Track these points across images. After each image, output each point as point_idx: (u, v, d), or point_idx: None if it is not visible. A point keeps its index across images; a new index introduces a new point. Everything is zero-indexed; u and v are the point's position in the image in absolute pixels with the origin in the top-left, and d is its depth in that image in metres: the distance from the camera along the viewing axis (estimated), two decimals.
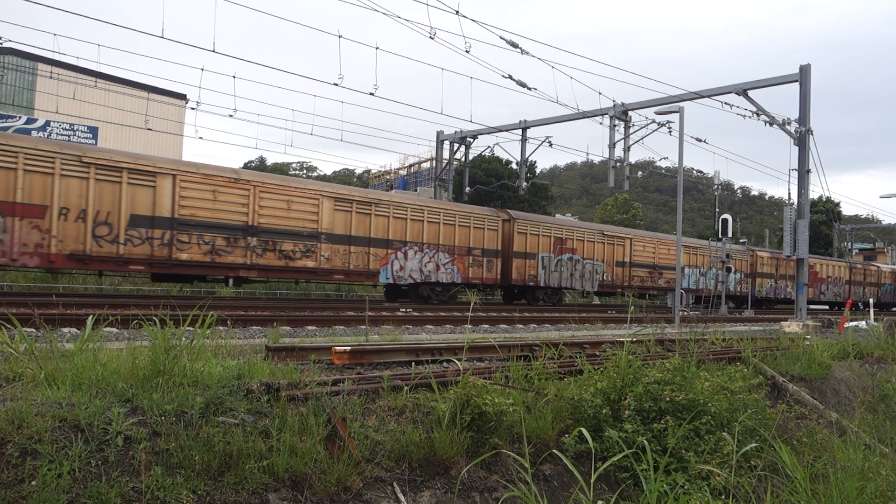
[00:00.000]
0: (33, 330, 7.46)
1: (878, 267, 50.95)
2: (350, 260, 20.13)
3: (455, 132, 30.64)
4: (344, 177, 78.15)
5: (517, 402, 5.80)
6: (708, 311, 27.57)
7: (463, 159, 31.25)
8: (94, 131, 35.36)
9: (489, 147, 33.16)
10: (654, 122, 23.96)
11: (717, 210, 49.81)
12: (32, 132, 31.73)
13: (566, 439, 5.83)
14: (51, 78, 32.70)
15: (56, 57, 27.72)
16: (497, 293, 28.27)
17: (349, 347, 6.92)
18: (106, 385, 4.66)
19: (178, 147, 40.98)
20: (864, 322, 17.27)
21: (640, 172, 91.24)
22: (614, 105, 24.23)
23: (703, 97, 22.98)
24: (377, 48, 20.44)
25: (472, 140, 30.70)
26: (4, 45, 22.57)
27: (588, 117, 25.37)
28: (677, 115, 19.87)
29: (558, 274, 26.06)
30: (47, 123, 34.04)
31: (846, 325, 17.00)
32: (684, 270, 32.03)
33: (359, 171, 78.68)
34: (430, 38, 18.22)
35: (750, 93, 21.61)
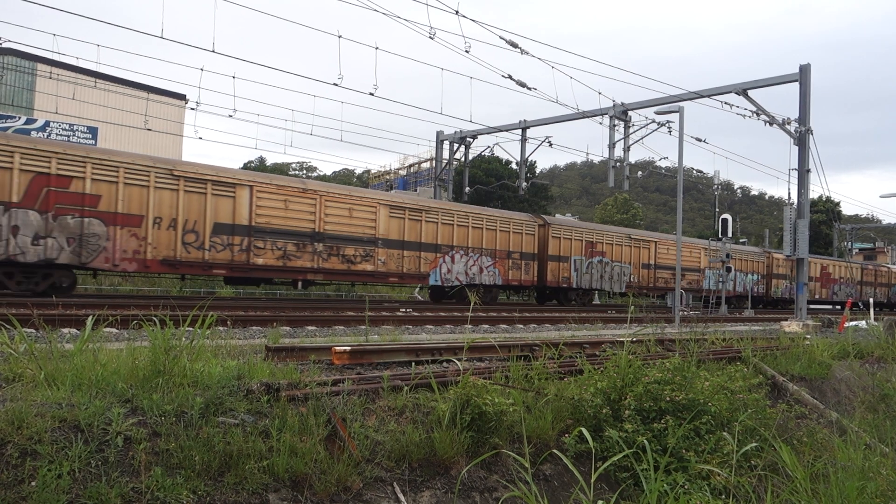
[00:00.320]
0: (33, 330, 7.46)
1: (888, 268, 51.75)
2: (403, 263, 21.54)
3: (455, 132, 30.64)
4: (344, 177, 78.15)
5: (517, 401, 5.80)
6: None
7: (463, 159, 31.25)
8: (93, 132, 35.36)
9: (489, 147, 33.22)
10: (653, 121, 23.98)
11: (717, 210, 49.81)
12: (32, 133, 31.71)
13: (566, 439, 5.83)
14: (50, 78, 32.70)
15: (55, 57, 27.75)
16: (531, 294, 29.36)
17: (349, 347, 6.92)
18: (106, 385, 4.66)
19: (177, 147, 40.98)
20: (864, 321, 17.27)
21: (639, 172, 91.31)
22: (614, 105, 24.24)
23: (702, 97, 22.98)
24: (377, 48, 20.45)
25: (471, 140, 30.70)
26: (4, 45, 22.56)
27: (588, 117, 25.38)
28: (677, 114, 19.87)
29: (589, 276, 27.47)
30: (47, 124, 34.03)
31: (846, 324, 17.00)
32: (705, 272, 33.46)
33: (359, 171, 78.74)
34: (430, 38, 18.23)
35: (750, 92, 21.61)
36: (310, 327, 12.16)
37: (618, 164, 24.75)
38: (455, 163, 31.20)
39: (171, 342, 5.06)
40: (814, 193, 36.74)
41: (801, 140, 20.33)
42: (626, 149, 24.87)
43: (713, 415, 6.38)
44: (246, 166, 66.65)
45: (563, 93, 32.03)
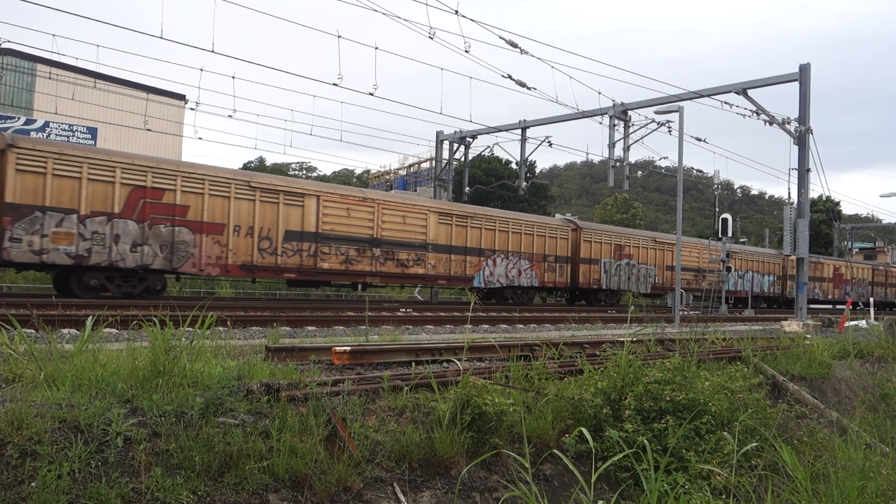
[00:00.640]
0: (32, 331, 7.45)
1: None
2: (451, 267, 23.08)
3: (455, 132, 30.63)
4: (343, 177, 78.14)
5: (517, 401, 5.80)
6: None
7: (462, 159, 31.23)
8: (93, 132, 35.34)
9: (489, 147, 33.18)
10: (653, 121, 23.96)
11: (717, 209, 49.79)
12: (31, 133, 31.71)
13: (566, 439, 5.83)
14: (50, 78, 32.68)
15: (55, 57, 27.69)
16: (563, 295, 30.73)
17: (349, 348, 6.91)
18: (106, 386, 4.66)
19: (177, 148, 40.96)
20: (864, 321, 17.27)
21: (639, 172, 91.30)
22: (614, 105, 24.23)
23: (702, 97, 22.97)
24: (376, 48, 20.45)
25: (471, 140, 30.67)
26: (3, 45, 22.56)
27: (588, 117, 25.37)
28: (677, 114, 19.86)
29: (618, 278, 28.87)
30: (46, 124, 34.01)
31: (846, 324, 17.00)
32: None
33: (358, 171, 78.72)
34: (430, 37, 18.23)
35: (750, 92, 21.60)
36: (310, 327, 12.16)
37: (618, 163, 24.74)
38: (455, 163, 31.18)
39: (170, 342, 5.06)
40: (814, 193, 37.12)
41: (801, 139, 20.33)
42: (626, 148, 24.86)
43: (713, 415, 6.38)
44: (245, 166, 66.65)
45: (563, 93, 32.18)
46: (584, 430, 4.73)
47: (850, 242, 60.36)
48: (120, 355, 5.34)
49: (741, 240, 58.35)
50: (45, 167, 15.26)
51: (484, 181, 42.62)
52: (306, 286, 22.11)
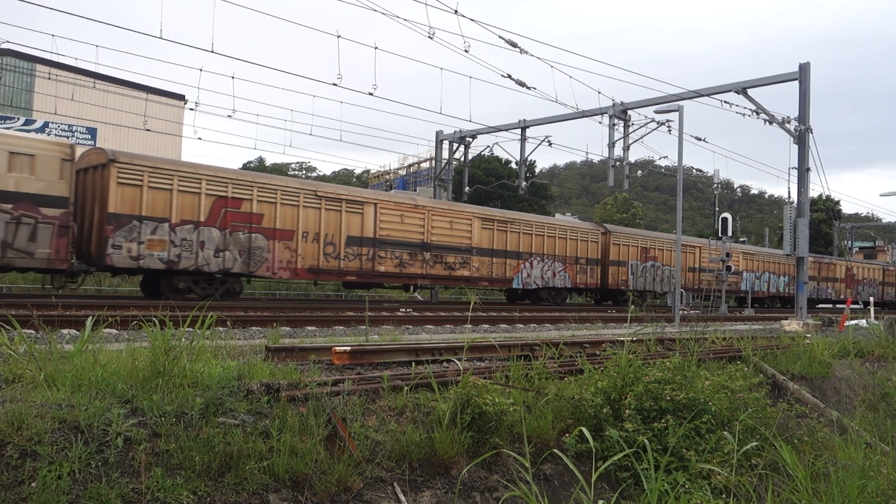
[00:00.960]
0: (32, 331, 7.45)
1: None
2: (493, 269, 24.57)
3: (454, 132, 30.62)
4: (343, 177, 78.12)
5: (517, 401, 5.80)
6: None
7: (462, 159, 31.23)
8: (92, 132, 35.34)
9: (488, 147, 33.17)
10: (653, 120, 23.97)
11: (717, 209, 49.83)
12: (31, 133, 31.69)
13: (567, 439, 5.82)
14: (49, 79, 32.67)
15: (54, 58, 27.70)
16: (593, 296, 32.15)
17: (349, 348, 6.91)
18: (106, 386, 4.66)
19: (177, 148, 40.98)
20: (864, 320, 17.26)
21: (639, 171, 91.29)
22: (613, 104, 24.23)
23: (702, 96, 22.98)
24: (376, 48, 20.46)
25: (471, 140, 30.67)
26: (3, 46, 22.55)
27: (587, 116, 25.38)
28: (676, 113, 19.87)
29: (643, 279, 30.24)
30: (46, 125, 34.00)
31: (846, 323, 17.00)
32: (743, 275, 36.50)
33: (358, 171, 78.70)
34: (429, 37, 18.23)
35: (749, 91, 21.61)
36: (310, 327, 12.16)
37: (617, 163, 24.75)
38: (455, 162, 31.18)
39: (170, 343, 5.06)
40: (814, 192, 37.34)
41: (801, 139, 20.33)
42: (626, 148, 24.86)
43: (714, 414, 6.38)
44: (245, 166, 66.62)
45: (563, 92, 32.19)
46: (585, 430, 4.73)
47: (850, 241, 60.37)
48: (120, 356, 5.33)
49: (741, 239, 58.37)
50: (141, 180, 16.57)
51: (484, 181, 42.60)
52: (363, 288, 23.66)
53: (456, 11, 17.45)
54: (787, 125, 20.64)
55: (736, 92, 21.74)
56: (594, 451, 5.04)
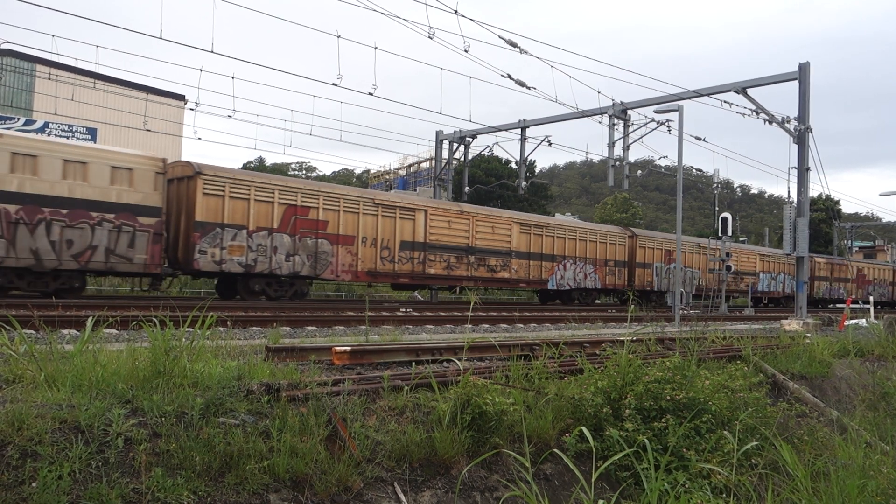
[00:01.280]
0: (33, 331, 7.46)
1: None
2: (530, 271, 25.96)
3: (454, 132, 30.61)
4: (343, 177, 78.12)
5: (517, 401, 5.80)
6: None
7: (462, 159, 31.22)
8: (92, 132, 35.31)
9: (488, 147, 33.17)
10: (653, 120, 23.97)
11: (717, 209, 49.81)
12: (31, 133, 31.67)
13: (567, 438, 5.82)
14: (49, 79, 32.66)
15: (54, 58, 27.68)
16: (619, 296, 33.11)
17: (349, 348, 6.92)
18: (106, 386, 4.66)
19: (177, 148, 40.95)
20: (864, 320, 17.26)
21: (639, 171, 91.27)
22: (613, 104, 24.22)
23: (702, 96, 22.98)
24: (376, 48, 20.46)
25: (471, 140, 30.66)
26: (3, 46, 22.55)
27: (587, 116, 25.37)
28: (676, 113, 19.84)
29: (667, 280, 31.32)
30: (46, 125, 33.98)
31: (846, 323, 17.00)
32: (759, 276, 37.93)
33: (358, 171, 78.69)
34: (429, 37, 18.22)
35: (749, 91, 21.60)
36: (310, 327, 12.16)
37: (617, 163, 24.75)
38: (455, 162, 31.17)
39: (171, 343, 5.06)
40: (813, 192, 37.50)
41: (801, 138, 20.32)
42: (626, 148, 24.86)
43: (714, 413, 6.38)
44: (245, 167, 66.59)
45: (563, 92, 32.20)
46: (585, 430, 4.73)
47: (849, 241, 60.35)
48: (120, 356, 5.34)
49: (741, 239, 58.36)
50: (223, 191, 18.00)
51: (484, 181, 42.58)
52: (413, 289, 25.45)
53: (456, 11, 17.45)
54: (786, 125, 20.63)
55: (736, 92, 21.74)
56: (594, 450, 5.04)
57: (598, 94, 22.88)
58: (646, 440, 5.00)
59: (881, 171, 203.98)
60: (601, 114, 24.75)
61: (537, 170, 64.09)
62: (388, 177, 59.95)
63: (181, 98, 39.94)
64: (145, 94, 34.93)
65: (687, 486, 5.37)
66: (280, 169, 70.30)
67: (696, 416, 6.16)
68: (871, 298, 23.10)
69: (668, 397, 6.27)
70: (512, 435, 5.72)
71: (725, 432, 5.99)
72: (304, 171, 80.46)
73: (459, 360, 6.80)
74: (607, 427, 6.01)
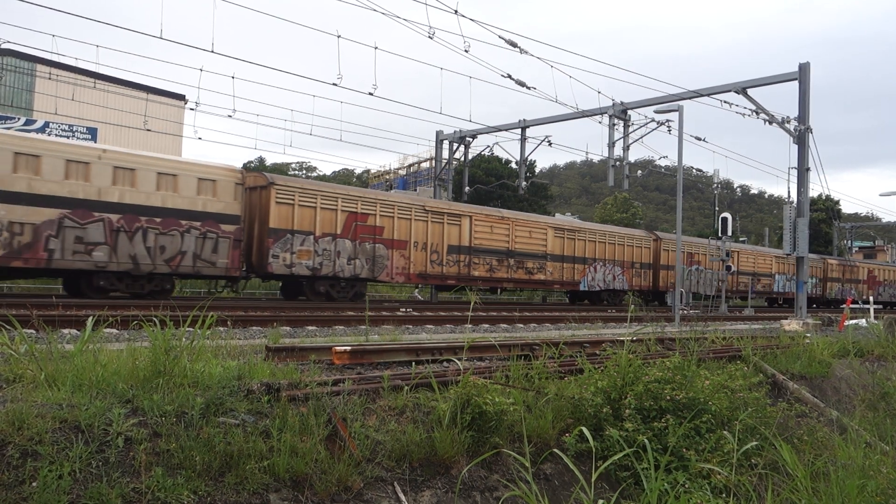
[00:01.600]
0: (33, 331, 7.46)
1: None
2: (563, 273, 27.45)
3: (454, 132, 30.60)
4: (343, 177, 78.09)
5: (517, 401, 5.80)
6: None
7: (462, 159, 31.21)
8: (92, 132, 35.29)
9: (488, 146, 33.15)
10: (653, 120, 23.95)
11: (717, 209, 49.82)
12: (32, 133, 31.66)
13: (567, 438, 5.83)
14: (49, 79, 32.67)
15: (55, 58, 27.67)
16: (644, 297, 34.06)
17: (349, 347, 6.92)
18: (106, 386, 4.66)
19: (177, 148, 40.95)
20: (864, 320, 17.26)
21: (639, 171, 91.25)
22: (613, 104, 24.21)
23: (702, 96, 22.97)
24: (376, 48, 20.46)
25: (471, 140, 30.64)
26: (3, 46, 22.56)
27: (587, 116, 25.37)
28: (676, 113, 19.85)
29: (689, 282, 32.46)
30: (46, 125, 33.96)
31: (846, 323, 17.00)
32: (775, 277, 39.29)
33: (358, 171, 78.66)
34: (429, 37, 18.22)
35: (749, 91, 21.59)
36: (310, 327, 12.16)
37: (617, 163, 24.74)
38: (455, 162, 31.16)
39: (171, 342, 5.07)
40: (813, 192, 37.75)
41: (801, 138, 20.32)
42: (626, 148, 24.85)
43: (713, 413, 6.38)
44: (245, 166, 66.49)
45: (563, 92, 32.16)
46: (585, 430, 4.73)
47: (849, 241, 60.32)
48: (120, 355, 5.34)
49: (741, 239, 58.35)
50: (293, 199, 19.39)
51: (484, 181, 42.57)
52: (456, 290, 26.55)
53: (456, 11, 17.45)
54: (786, 125, 20.63)
55: (736, 92, 21.73)
56: (594, 450, 5.04)
57: (598, 94, 22.91)
58: (646, 440, 5.00)
59: (881, 171, 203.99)
60: (601, 114, 24.74)
61: (537, 170, 64.08)
62: (388, 177, 59.93)
63: (181, 98, 39.93)
64: (145, 93, 34.92)
65: (687, 486, 5.37)
66: (280, 169, 70.25)
67: (696, 416, 6.16)
68: (871, 299, 23.10)
69: (668, 397, 6.27)
70: (512, 435, 5.72)
71: (725, 432, 5.99)
72: (304, 171, 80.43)
73: (459, 359, 6.80)
74: (607, 427, 6.01)
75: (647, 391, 6.31)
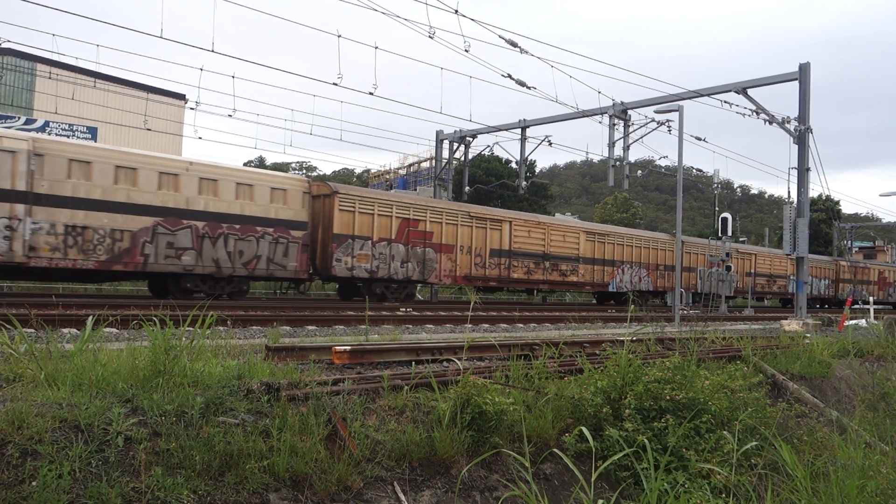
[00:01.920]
0: (33, 331, 7.45)
1: None
2: (594, 275, 28.84)
3: (455, 131, 30.60)
4: (343, 176, 78.06)
5: (517, 401, 5.80)
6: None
7: (462, 159, 31.21)
8: (93, 132, 35.28)
9: (489, 146, 33.16)
10: (653, 120, 23.95)
11: (717, 209, 49.81)
12: (32, 133, 31.65)
13: (566, 438, 5.83)
14: (50, 78, 32.63)
15: (55, 57, 27.65)
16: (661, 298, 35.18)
17: (349, 347, 6.92)
18: (106, 385, 4.66)
19: (177, 147, 40.91)
20: (863, 320, 17.26)
21: (639, 171, 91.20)
22: (614, 104, 24.21)
23: (702, 96, 22.97)
24: (376, 48, 20.44)
25: (471, 139, 30.64)
26: (3, 45, 22.56)
27: (587, 116, 25.36)
28: (677, 113, 19.83)
29: (708, 283, 33.20)
30: (46, 124, 33.96)
31: (846, 323, 17.00)
32: (790, 278, 39.83)
33: (358, 170, 78.63)
34: (430, 37, 18.21)
35: (749, 91, 21.59)
36: (310, 327, 12.16)
37: (617, 163, 24.74)
38: (455, 162, 31.16)
39: (171, 342, 5.07)
40: (813, 192, 37.82)
41: (801, 139, 20.32)
42: (626, 148, 24.85)
43: (713, 414, 6.38)
44: (245, 165, 66.51)
45: (563, 92, 32.19)
46: (584, 430, 4.73)
47: (849, 242, 60.31)
48: (120, 355, 5.34)
49: (741, 239, 58.35)
50: (354, 207, 20.76)
51: (484, 180, 42.56)
52: (498, 291, 28.59)
53: (456, 11, 17.44)
54: (787, 125, 20.63)
55: (736, 92, 21.73)
56: (594, 450, 5.04)
57: (598, 94, 22.88)
58: (645, 440, 5.00)
59: (881, 171, 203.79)
60: (601, 114, 24.74)
61: (537, 170, 64.05)
62: (388, 176, 59.89)
63: (182, 97, 39.91)
64: (146, 93, 34.89)
65: (686, 486, 5.37)
66: (280, 168, 70.25)
67: (696, 416, 6.16)
68: (872, 299, 23.10)
69: (668, 397, 6.27)
70: (512, 435, 5.72)
71: (725, 432, 5.99)
72: (304, 171, 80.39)
73: (459, 359, 6.80)
74: (607, 427, 6.01)
75: (647, 391, 6.31)
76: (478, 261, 24.13)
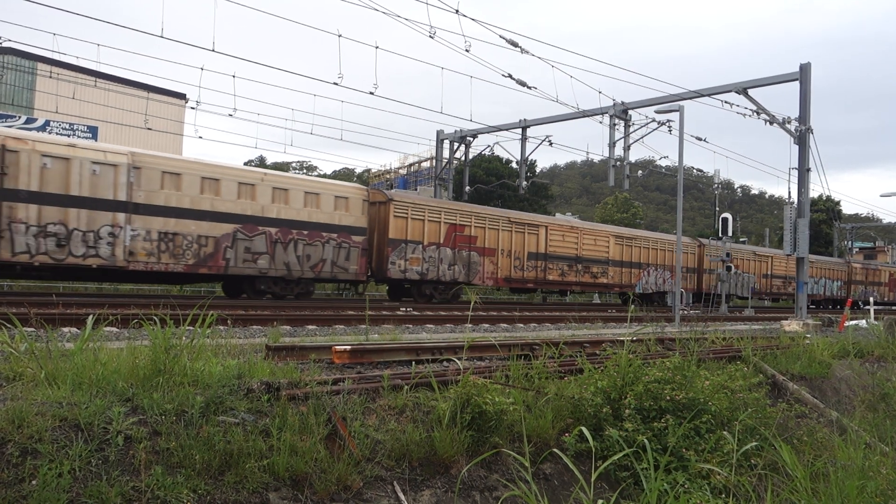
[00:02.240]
0: (33, 329, 7.45)
1: None
2: (622, 277, 30.12)
3: (455, 131, 30.59)
4: (344, 176, 78.04)
5: (517, 401, 5.80)
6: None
7: (463, 158, 31.20)
8: (93, 131, 35.28)
9: (489, 146, 33.16)
10: (654, 120, 23.94)
11: (717, 209, 49.85)
12: (32, 132, 31.64)
13: (566, 438, 5.83)
14: (50, 77, 32.62)
15: (56, 56, 27.66)
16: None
17: (349, 347, 6.92)
18: (106, 384, 4.66)
19: (177, 147, 40.92)
20: (864, 321, 17.25)
21: (640, 171, 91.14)
22: (614, 104, 24.20)
23: (703, 96, 22.96)
24: (377, 47, 20.44)
25: (472, 139, 30.63)
26: (4, 44, 22.56)
27: (588, 116, 25.35)
28: (677, 113, 19.83)
29: (728, 284, 34.09)
30: (47, 123, 33.96)
31: (846, 323, 16.99)
32: None
33: (359, 170, 78.62)
34: (430, 37, 18.21)
35: (750, 91, 21.58)
36: (310, 326, 12.16)
37: (618, 163, 24.73)
38: (455, 162, 31.15)
39: (171, 341, 5.07)
40: (814, 192, 38.20)
41: (802, 139, 20.31)
42: (627, 148, 24.84)
43: (713, 414, 6.38)
44: (246, 165, 66.44)
45: (564, 92, 32.10)
46: (584, 430, 4.73)
47: (850, 242, 60.29)
48: (120, 354, 5.34)
49: (741, 239, 58.34)
50: (406, 213, 22.10)
51: (484, 180, 42.55)
52: (532, 292, 30.25)
53: (457, 11, 17.44)
54: (787, 125, 20.61)
55: (736, 92, 21.72)
56: (594, 450, 5.04)
57: (598, 93, 22.87)
58: (645, 440, 5.00)
59: (882, 171, 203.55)
60: (602, 114, 24.73)
61: (538, 169, 64.05)
62: (388, 176, 59.87)
63: (182, 97, 39.91)
64: (146, 92, 34.89)
65: (686, 486, 5.37)
66: (281, 168, 70.25)
67: (696, 416, 6.16)
68: (872, 299, 23.09)
69: (668, 397, 6.27)
70: (512, 434, 5.72)
71: (725, 433, 5.99)
72: (304, 171, 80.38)
73: (459, 359, 6.80)
74: (607, 427, 6.01)
75: (647, 391, 6.31)
76: (517, 263, 25.32)
